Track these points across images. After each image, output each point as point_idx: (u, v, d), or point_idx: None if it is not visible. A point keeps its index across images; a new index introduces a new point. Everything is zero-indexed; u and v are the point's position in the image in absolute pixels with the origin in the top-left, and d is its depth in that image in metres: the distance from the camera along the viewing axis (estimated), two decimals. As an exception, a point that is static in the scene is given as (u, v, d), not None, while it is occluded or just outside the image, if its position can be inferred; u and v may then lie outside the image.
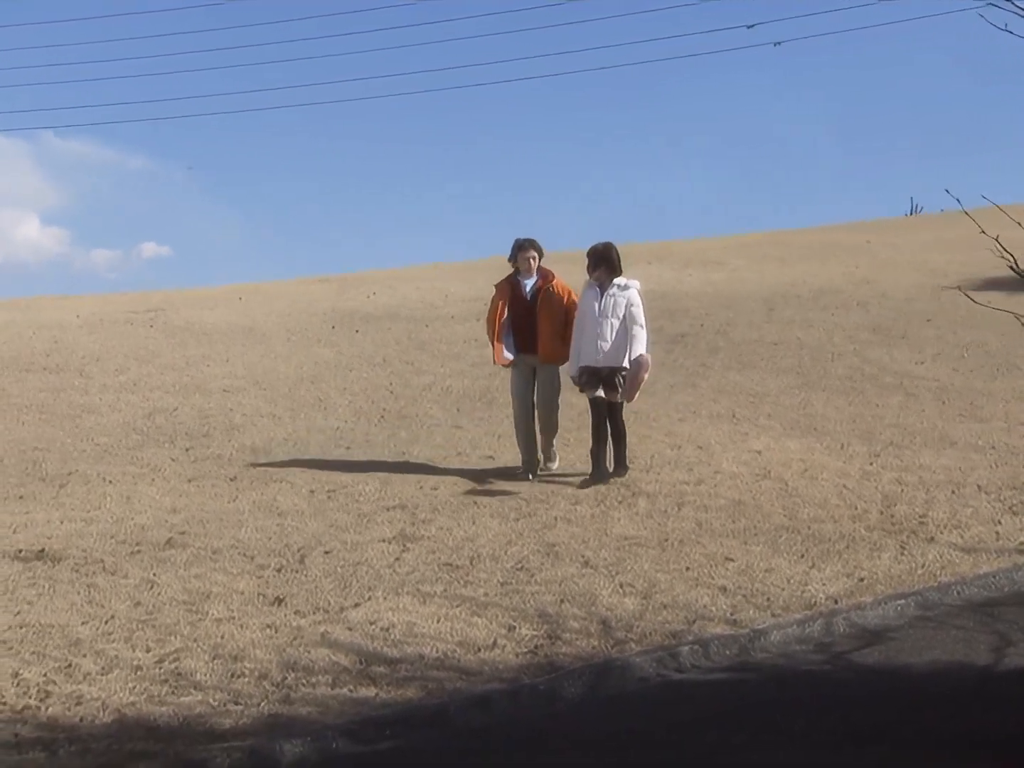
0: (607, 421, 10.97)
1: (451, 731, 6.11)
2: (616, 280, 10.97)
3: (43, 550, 9.08)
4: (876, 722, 5.95)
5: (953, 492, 10.17)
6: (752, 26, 48.07)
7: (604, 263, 10.97)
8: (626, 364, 10.73)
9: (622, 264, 11.14)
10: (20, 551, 9.08)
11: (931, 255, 27.74)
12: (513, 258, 11.48)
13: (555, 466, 11.60)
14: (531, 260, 11.36)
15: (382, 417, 14.24)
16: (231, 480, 11.34)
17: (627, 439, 11.20)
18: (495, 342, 11.40)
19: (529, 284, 11.39)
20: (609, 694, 6.52)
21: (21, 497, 10.80)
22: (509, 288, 11.43)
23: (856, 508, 9.80)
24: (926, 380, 15.12)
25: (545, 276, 11.43)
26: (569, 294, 11.37)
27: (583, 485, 10.80)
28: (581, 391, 11.06)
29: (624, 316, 10.82)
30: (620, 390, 10.77)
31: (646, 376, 10.82)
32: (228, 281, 38.16)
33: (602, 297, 10.88)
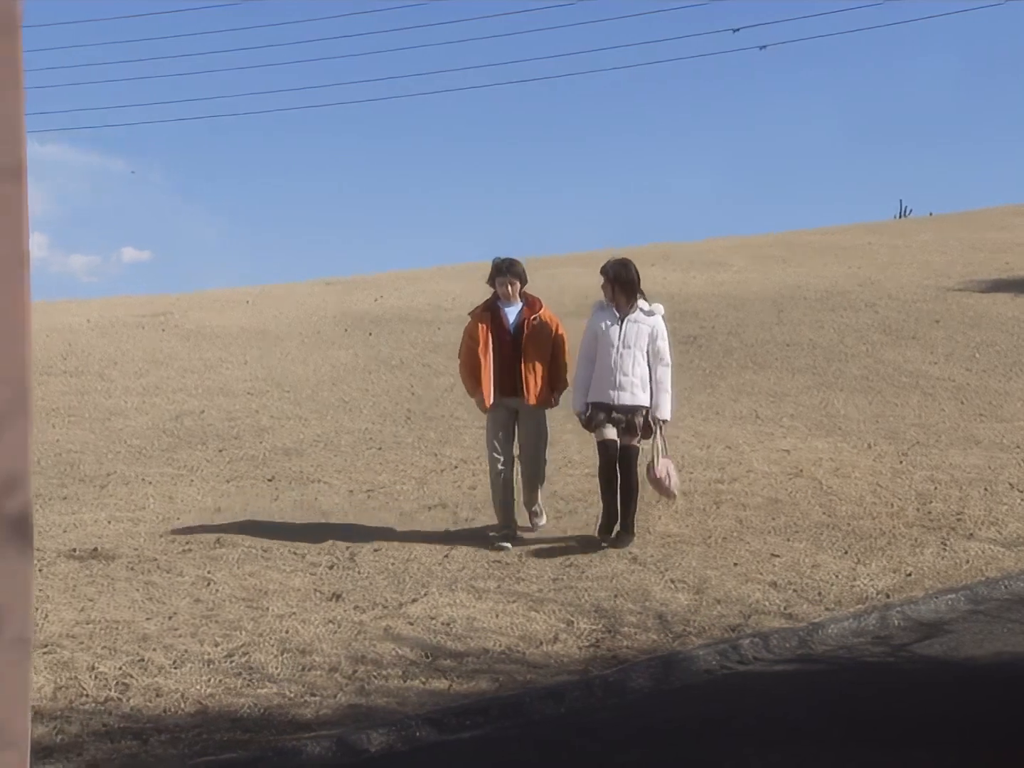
0: (618, 468, 9.25)
1: (528, 721, 6.29)
2: (639, 304, 9.26)
3: (96, 549, 9.24)
4: (947, 712, 6.13)
5: (986, 490, 10.37)
6: (737, 30, 48.53)
7: (625, 285, 9.25)
8: (647, 403, 9.14)
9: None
10: (74, 550, 9.24)
11: (931, 256, 27.94)
12: (492, 281, 9.66)
13: (543, 522, 9.82)
14: (508, 288, 9.48)
15: (408, 418, 14.41)
16: (269, 480, 11.50)
17: (638, 496, 9.42)
18: (483, 382, 9.48)
19: (512, 313, 9.52)
20: (677, 685, 6.71)
21: (65, 498, 10.95)
22: (489, 317, 9.55)
23: (892, 506, 10.00)
24: (942, 380, 15.31)
25: (531, 304, 9.56)
26: (557, 327, 9.60)
27: (600, 536, 9.34)
28: (589, 430, 9.48)
29: (648, 349, 9.17)
30: (639, 434, 9.18)
31: (667, 465, 9.28)
32: (212, 285, 38.23)
33: (623, 324, 9.17)
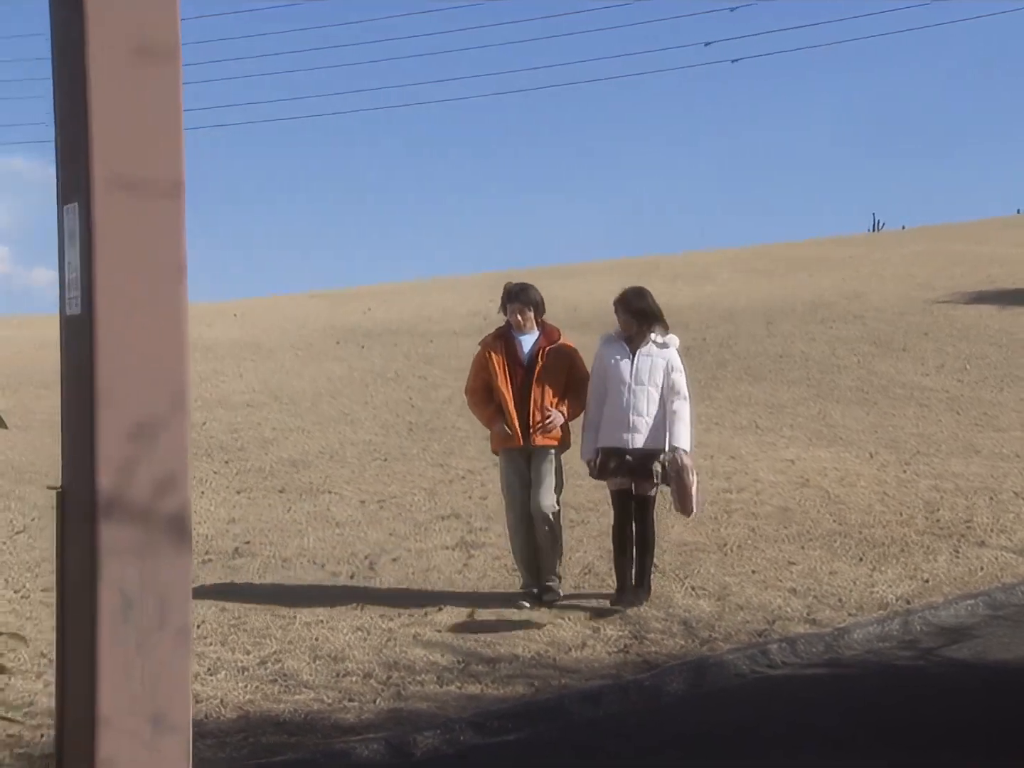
0: (632, 521, 8.29)
1: (567, 724, 6.41)
2: (652, 336, 8.27)
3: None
4: (974, 718, 6.27)
5: (991, 498, 10.55)
6: (709, 44, 49.06)
7: (639, 314, 8.27)
8: (665, 445, 8.13)
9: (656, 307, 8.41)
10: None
11: (913, 269, 28.24)
12: (504, 308, 8.64)
13: (560, 595, 8.42)
14: (519, 317, 8.47)
15: (410, 430, 14.50)
16: (280, 491, 11.59)
17: (655, 549, 8.50)
18: (510, 420, 8.33)
19: (527, 343, 8.49)
20: (710, 689, 6.86)
21: (78, 508, 10.99)
22: (502, 346, 8.52)
23: (901, 514, 10.17)
24: (935, 391, 15.52)
25: (549, 334, 8.54)
26: (575, 359, 8.58)
27: (613, 605, 8.17)
28: (598, 478, 8.49)
29: (663, 384, 8.21)
30: (657, 481, 8.14)
31: (695, 479, 8.19)
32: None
33: (634, 358, 8.19)
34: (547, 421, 8.28)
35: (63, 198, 2.68)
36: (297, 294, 31.37)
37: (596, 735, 6.33)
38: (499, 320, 8.85)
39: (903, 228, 49.12)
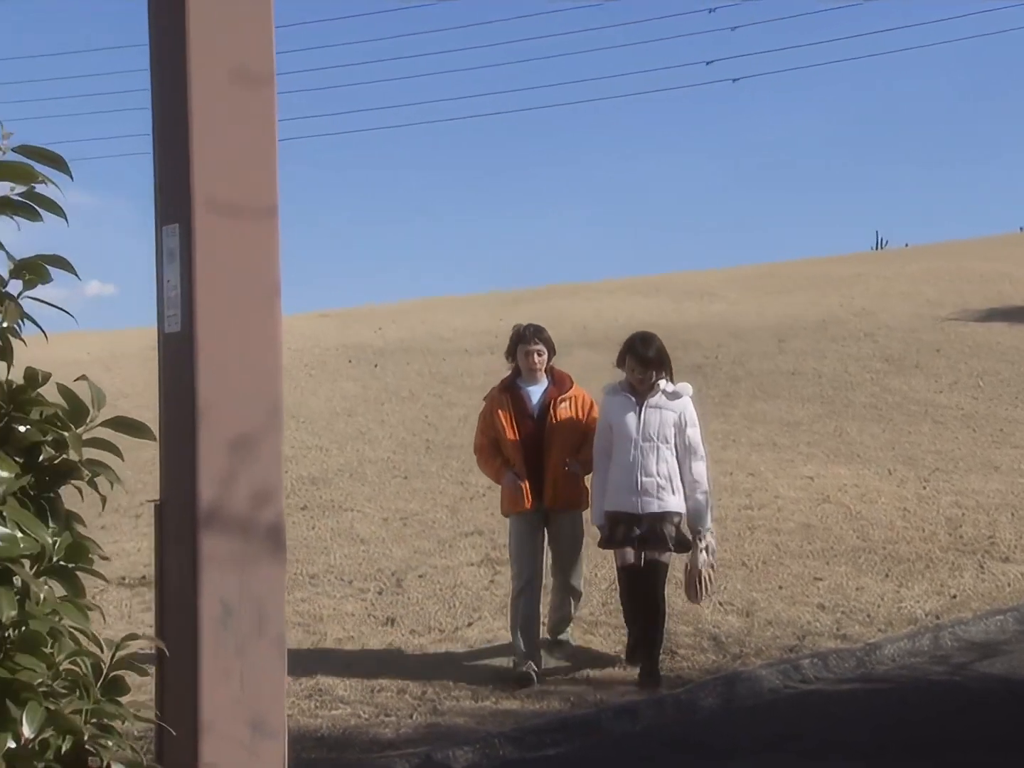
0: (642, 592, 7.39)
1: (605, 738, 6.47)
2: (662, 385, 7.42)
3: (144, 577, 9.35)
4: (1008, 734, 6.32)
5: (1013, 514, 10.59)
6: (711, 62, 49.39)
7: (652, 363, 7.39)
8: (679, 508, 7.30)
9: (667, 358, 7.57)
10: (123, 578, 9.37)
11: (922, 286, 28.30)
12: (511, 354, 7.87)
13: (569, 639, 7.94)
14: (535, 357, 7.65)
15: (428, 448, 14.54)
16: (302, 509, 11.64)
17: (665, 623, 7.54)
18: (518, 475, 7.53)
19: (536, 393, 7.70)
20: (744, 704, 6.90)
21: (103, 527, 11.04)
22: (508, 399, 7.71)
23: (923, 530, 10.20)
24: (950, 408, 15.56)
25: (560, 383, 7.76)
26: (591, 409, 7.72)
27: (639, 685, 7.20)
28: (606, 547, 7.67)
29: (676, 441, 7.35)
30: (671, 547, 7.32)
31: (712, 569, 7.49)
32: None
33: (641, 410, 7.32)
34: (566, 466, 7.52)
35: (161, 218, 2.74)
36: (306, 313, 31.46)
37: (632, 749, 6.38)
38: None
39: (907, 246, 49.25)
